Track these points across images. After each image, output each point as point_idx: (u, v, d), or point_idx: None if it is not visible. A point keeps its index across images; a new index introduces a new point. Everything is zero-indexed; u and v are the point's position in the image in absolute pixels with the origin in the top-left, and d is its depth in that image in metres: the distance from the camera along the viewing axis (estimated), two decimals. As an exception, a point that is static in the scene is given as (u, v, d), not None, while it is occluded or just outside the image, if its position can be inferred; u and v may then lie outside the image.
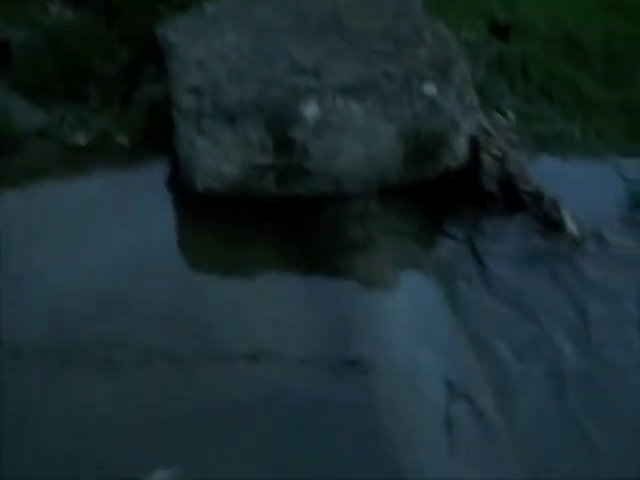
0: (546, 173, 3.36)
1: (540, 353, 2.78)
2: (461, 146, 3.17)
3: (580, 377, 2.74)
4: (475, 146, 3.20)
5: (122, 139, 3.33)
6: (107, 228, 2.99)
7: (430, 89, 3.09)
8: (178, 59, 3.17)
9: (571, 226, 3.15)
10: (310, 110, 2.97)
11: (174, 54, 3.20)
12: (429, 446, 2.42)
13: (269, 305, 2.79)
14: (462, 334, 2.79)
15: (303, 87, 3.01)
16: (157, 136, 3.24)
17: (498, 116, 3.46)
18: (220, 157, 2.95)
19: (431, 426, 2.47)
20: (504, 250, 3.08)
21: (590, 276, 3.02)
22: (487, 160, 3.19)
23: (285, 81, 3.02)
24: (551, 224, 3.16)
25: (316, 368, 2.58)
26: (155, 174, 3.21)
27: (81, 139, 3.30)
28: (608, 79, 4.07)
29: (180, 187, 3.09)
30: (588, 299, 2.95)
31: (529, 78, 3.88)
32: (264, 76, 3.03)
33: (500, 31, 4.05)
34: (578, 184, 3.39)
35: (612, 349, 2.83)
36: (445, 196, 3.17)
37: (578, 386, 2.70)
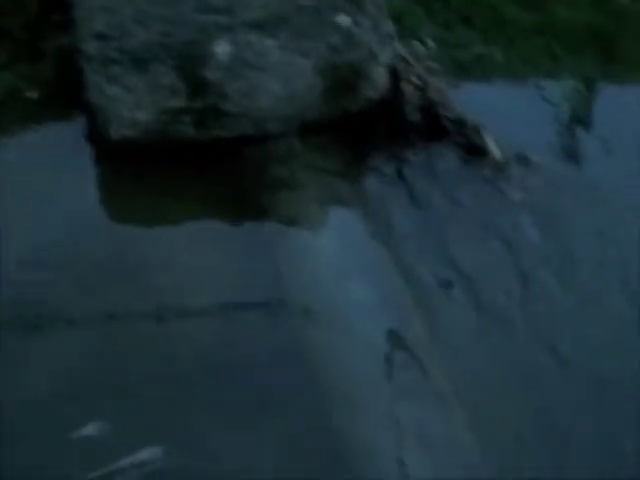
0: (469, 99, 3.33)
1: (472, 282, 2.78)
2: (380, 77, 3.12)
3: (512, 302, 2.75)
4: (395, 76, 3.15)
5: (32, 94, 3.20)
6: (25, 186, 2.88)
7: (344, 20, 3.02)
8: (83, 5, 3.04)
9: (494, 151, 3.14)
10: (222, 48, 2.89)
11: (79, 1, 3.07)
12: (364, 385, 2.42)
13: (197, 252, 2.74)
14: (392, 268, 2.78)
15: (213, 25, 2.91)
16: (69, 88, 3.12)
17: (417, 44, 3.41)
18: (132, 103, 2.86)
19: (366, 366, 2.46)
20: (429, 179, 3.06)
21: (515, 199, 3.03)
22: (408, 89, 3.15)
23: (194, 20, 2.92)
24: (474, 150, 3.15)
25: (248, 314, 2.54)
26: (70, 127, 3.10)
27: (-11, 97, 3.18)
28: (529, 2, 4.04)
29: (96, 138, 2.99)
30: (515, 222, 2.96)
31: (448, 4, 3.83)
32: (171, 16, 2.91)
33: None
34: (502, 108, 3.37)
35: (542, 272, 2.85)
36: (368, 129, 3.13)
37: (510, 311, 2.72)
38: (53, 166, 2.94)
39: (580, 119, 3.57)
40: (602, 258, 2.89)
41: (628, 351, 2.65)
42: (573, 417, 2.46)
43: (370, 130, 3.13)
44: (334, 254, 2.80)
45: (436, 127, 3.17)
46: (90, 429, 2.17)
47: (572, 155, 3.39)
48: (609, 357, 2.62)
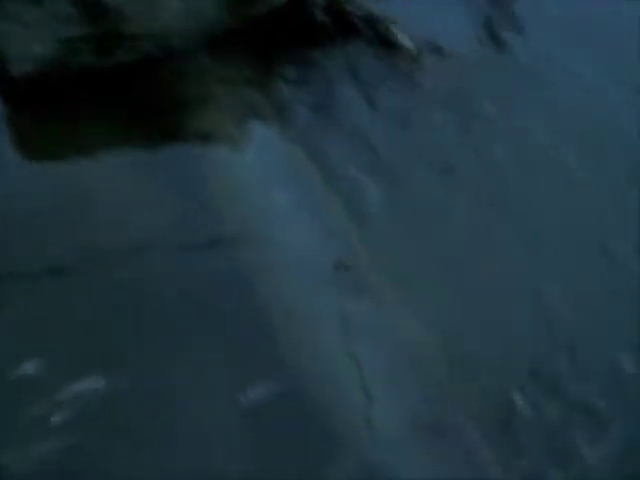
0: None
1: (391, 175, 2.76)
2: (283, -20, 3.06)
3: (436, 188, 2.76)
4: (297, -22, 3.09)
5: None
6: None
7: None
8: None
9: (406, 43, 3.11)
10: (114, -31, 2.80)
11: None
12: (302, 290, 2.42)
13: (121, 183, 2.68)
14: (315, 172, 2.76)
15: (102, -54, 2.82)
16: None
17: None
18: (30, 38, 2.77)
19: (303, 270, 2.46)
20: (343, 79, 3.03)
21: (430, 89, 3.02)
22: (312, -10, 3.09)
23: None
24: (386, 44, 3.11)
25: (183, 246, 2.50)
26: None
27: None
28: None
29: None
30: (430, 111, 2.95)
31: None
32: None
33: None
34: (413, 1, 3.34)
35: (455, 156, 2.84)
36: (277, 35, 3.07)
37: (435, 198, 2.72)
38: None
39: (494, 4, 3.55)
40: (514, 138, 2.90)
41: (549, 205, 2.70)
42: (508, 292, 2.50)
43: (279, 36, 3.07)
44: (256, 167, 2.77)
45: (345, 26, 3.12)
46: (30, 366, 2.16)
47: (486, 41, 3.37)
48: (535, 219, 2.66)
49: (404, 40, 3.10)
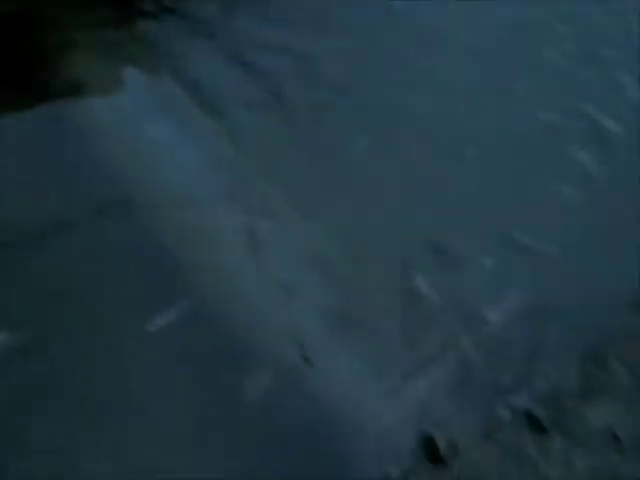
0: None
1: (271, 98, 2.77)
2: None
3: (314, 113, 2.76)
4: None
5: None
6: None
7: None
8: None
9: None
10: None
11: None
12: (201, 219, 2.40)
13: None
14: (194, 105, 2.73)
15: None
16: None
17: None
18: None
19: (197, 206, 2.43)
20: (209, 7, 2.97)
21: (295, 4, 3.00)
22: None
23: None
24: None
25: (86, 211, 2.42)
26: None
27: None
28: None
29: None
30: (299, 28, 2.93)
31: None
32: None
33: None
34: None
35: (334, 71, 2.86)
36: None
37: (305, 122, 2.73)
38: None
39: None
40: (396, 47, 2.91)
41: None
42: (400, 188, 2.52)
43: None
44: (135, 107, 2.71)
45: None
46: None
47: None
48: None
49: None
